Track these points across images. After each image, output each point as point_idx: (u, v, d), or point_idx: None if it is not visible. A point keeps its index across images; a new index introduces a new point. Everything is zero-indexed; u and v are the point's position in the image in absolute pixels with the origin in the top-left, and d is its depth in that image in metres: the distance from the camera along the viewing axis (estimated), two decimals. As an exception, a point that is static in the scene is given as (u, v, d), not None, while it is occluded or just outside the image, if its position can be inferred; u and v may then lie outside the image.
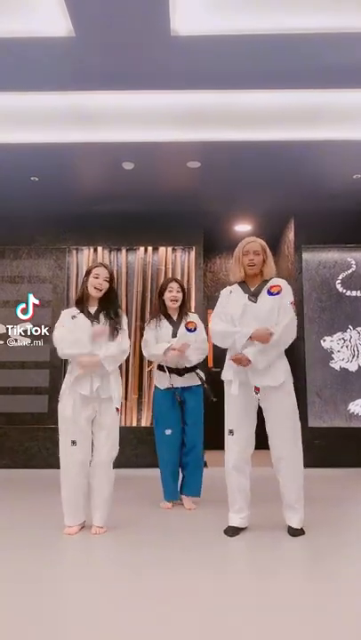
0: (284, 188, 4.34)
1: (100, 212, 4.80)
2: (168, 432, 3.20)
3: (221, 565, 2.31)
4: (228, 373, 2.72)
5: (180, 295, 3.26)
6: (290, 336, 2.66)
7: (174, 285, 3.26)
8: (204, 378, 3.24)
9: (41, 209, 4.75)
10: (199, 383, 3.24)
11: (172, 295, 3.24)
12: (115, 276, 3.12)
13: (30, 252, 4.93)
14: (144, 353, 3.35)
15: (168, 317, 3.27)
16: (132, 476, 4.06)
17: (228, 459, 2.69)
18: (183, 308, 3.31)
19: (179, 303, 3.26)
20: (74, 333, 2.76)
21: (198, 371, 3.25)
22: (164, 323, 3.25)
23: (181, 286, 3.30)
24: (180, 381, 3.21)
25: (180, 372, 3.20)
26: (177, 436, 3.21)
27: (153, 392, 3.44)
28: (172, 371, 3.20)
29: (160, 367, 3.27)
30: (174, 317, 3.27)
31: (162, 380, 3.25)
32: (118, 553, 2.48)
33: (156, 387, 3.33)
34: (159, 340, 3.23)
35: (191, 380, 3.24)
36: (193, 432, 3.22)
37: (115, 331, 2.81)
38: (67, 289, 4.86)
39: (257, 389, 2.64)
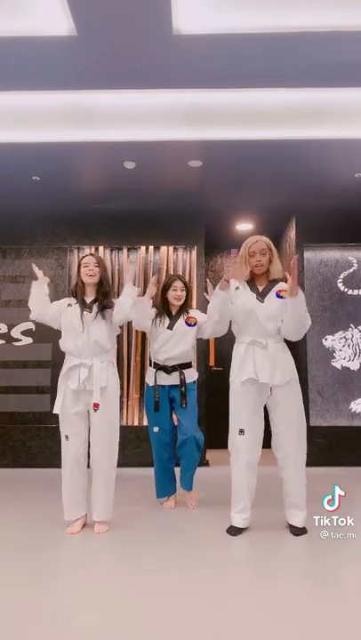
0: (285, 187, 4.34)
1: (101, 211, 4.80)
2: (155, 430, 3.20)
3: (224, 564, 2.31)
4: (236, 369, 2.72)
5: (183, 294, 3.26)
6: (304, 311, 2.67)
7: (178, 284, 3.26)
8: (185, 380, 3.18)
9: (42, 208, 4.74)
10: (189, 381, 3.20)
11: (177, 294, 3.24)
12: (106, 267, 3.13)
13: (32, 251, 4.93)
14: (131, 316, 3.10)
15: (168, 313, 3.28)
16: (133, 474, 4.06)
17: (240, 459, 2.67)
18: (185, 306, 3.31)
19: (182, 302, 3.27)
20: (67, 322, 2.83)
21: (184, 371, 3.19)
22: (165, 319, 3.25)
23: (185, 284, 3.30)
24: (168, 379, 3.19)
25: (168, 369, 3.19)
26: (166, 433, 3.21)
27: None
28: (159, 368, 3.20)
29: (151, 364, 3.28)
30: (173, 312, 3.28)
31: (149, 377, 3.26)
32: (120, 552, 2.48)
33: (146, 384, 3.33)
34: (155, 336, 3.24)
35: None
36: (186, 424, 3.14)
37: (104, 313, 2.83)
38: (68, 288, 4.85)
39: (271, 390, 2.66)
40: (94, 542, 2.60)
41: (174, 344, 3.18)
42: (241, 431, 2.67)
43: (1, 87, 2.97)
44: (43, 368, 4.75)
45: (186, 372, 3.20)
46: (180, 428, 3.19)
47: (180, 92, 3.06)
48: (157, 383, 3.19)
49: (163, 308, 3.28)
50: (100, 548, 2.54)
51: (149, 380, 3.26)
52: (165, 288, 3.29)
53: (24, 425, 4.68)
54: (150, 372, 3.27)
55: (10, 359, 4.77)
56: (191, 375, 3.25)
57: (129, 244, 4.94)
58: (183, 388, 3.16)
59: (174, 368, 3.19)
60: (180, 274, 4.89)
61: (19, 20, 2.45)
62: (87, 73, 2.83)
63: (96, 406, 2.72)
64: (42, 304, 2.89)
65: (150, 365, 3.31)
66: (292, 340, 2.77)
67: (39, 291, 2.91)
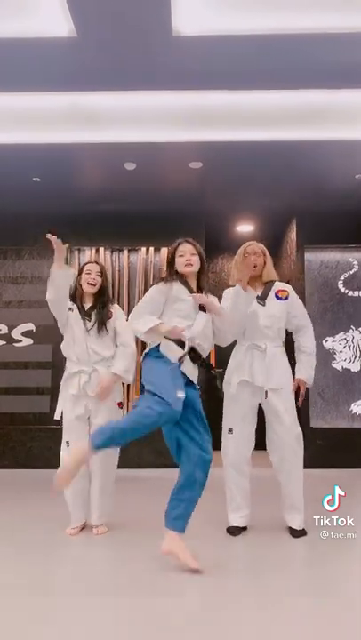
0: (286, 189, 4.34)
1: (101, 212, 4.80)
2: (181, 395, 2.11)
3: (224, 566, 2.30)
4: (232, 371, 2.73)
5: (195, 258, 2.38)
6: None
7: (186, 247, 2.39)
8: (212, 364, 2.47)
9: (43, 209, 4.75)
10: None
11: (185, 259, 2.37)
12: (107, 274, 3.07)
13: (32, 252, 4.93)
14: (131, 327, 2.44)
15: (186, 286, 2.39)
16: (133, 476, 4.06)
17: (226, 457, 2.70)
18: (202, 277, 2.45)
19: (195, 267, 2.38)
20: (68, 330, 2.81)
21: (205, 358, 2.40)
22: (182, 289, 2.36)
23: (196, 249, 2.41)
24: (190, 372, 2.31)
25: (193, 357, 2.30)
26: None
27: (145, 360, 2.35)
28: (183, 348, 2.26)
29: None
30: (193, 287, 2.41)
31: (171, 350, 2.25)
32: (119, 553, 2.47)
33: (155, 356, 2.28)
34: (175, 313, 2.32)
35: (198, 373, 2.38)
36: (207, 443, 2.33)
37: (102, 325, 2.78)
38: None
39: (266, 394, 2.66)
40: (94, 543, 2.60)
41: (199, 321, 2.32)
42: (230, 430, 2.70)
43: (1, 88, 2.99)
44: (43, 369, 4.75)
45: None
46: (198, 442, 2.30)
47: (180, 94, 3.07)
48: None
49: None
50: (99, 550, 2.54)
51: (168, 353, 2.24)
52: (171, 258, 2.45)
53: (24, 426, 4.68)
54: (168, 345, 2.25)
55: (10, 360, 4.77)
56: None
57: (129, 245, 4.95)
58: (214, 371, 2.39)
59: (198, 358, 2.33)
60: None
61: (20, 22, 2.47)
62: (87, 74, 2.84)
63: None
64: (64, 291, 2.74)
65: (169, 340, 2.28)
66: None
67: (68, 278, 2.74)
